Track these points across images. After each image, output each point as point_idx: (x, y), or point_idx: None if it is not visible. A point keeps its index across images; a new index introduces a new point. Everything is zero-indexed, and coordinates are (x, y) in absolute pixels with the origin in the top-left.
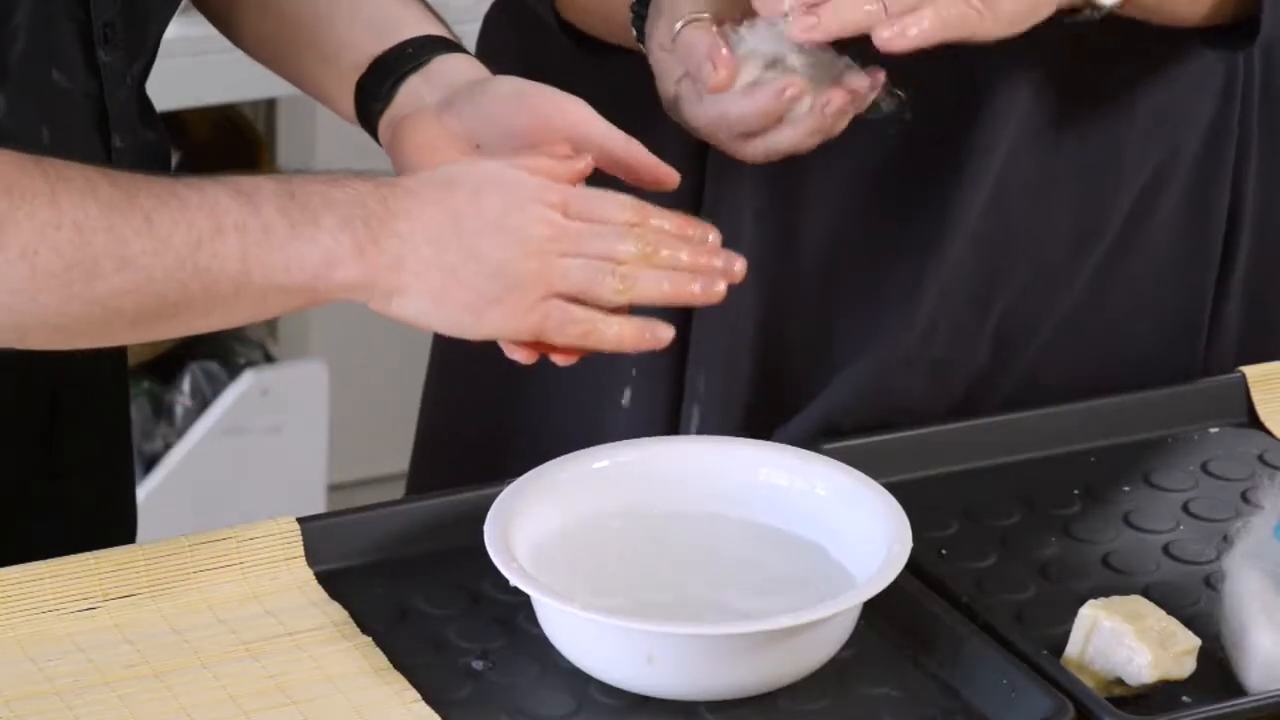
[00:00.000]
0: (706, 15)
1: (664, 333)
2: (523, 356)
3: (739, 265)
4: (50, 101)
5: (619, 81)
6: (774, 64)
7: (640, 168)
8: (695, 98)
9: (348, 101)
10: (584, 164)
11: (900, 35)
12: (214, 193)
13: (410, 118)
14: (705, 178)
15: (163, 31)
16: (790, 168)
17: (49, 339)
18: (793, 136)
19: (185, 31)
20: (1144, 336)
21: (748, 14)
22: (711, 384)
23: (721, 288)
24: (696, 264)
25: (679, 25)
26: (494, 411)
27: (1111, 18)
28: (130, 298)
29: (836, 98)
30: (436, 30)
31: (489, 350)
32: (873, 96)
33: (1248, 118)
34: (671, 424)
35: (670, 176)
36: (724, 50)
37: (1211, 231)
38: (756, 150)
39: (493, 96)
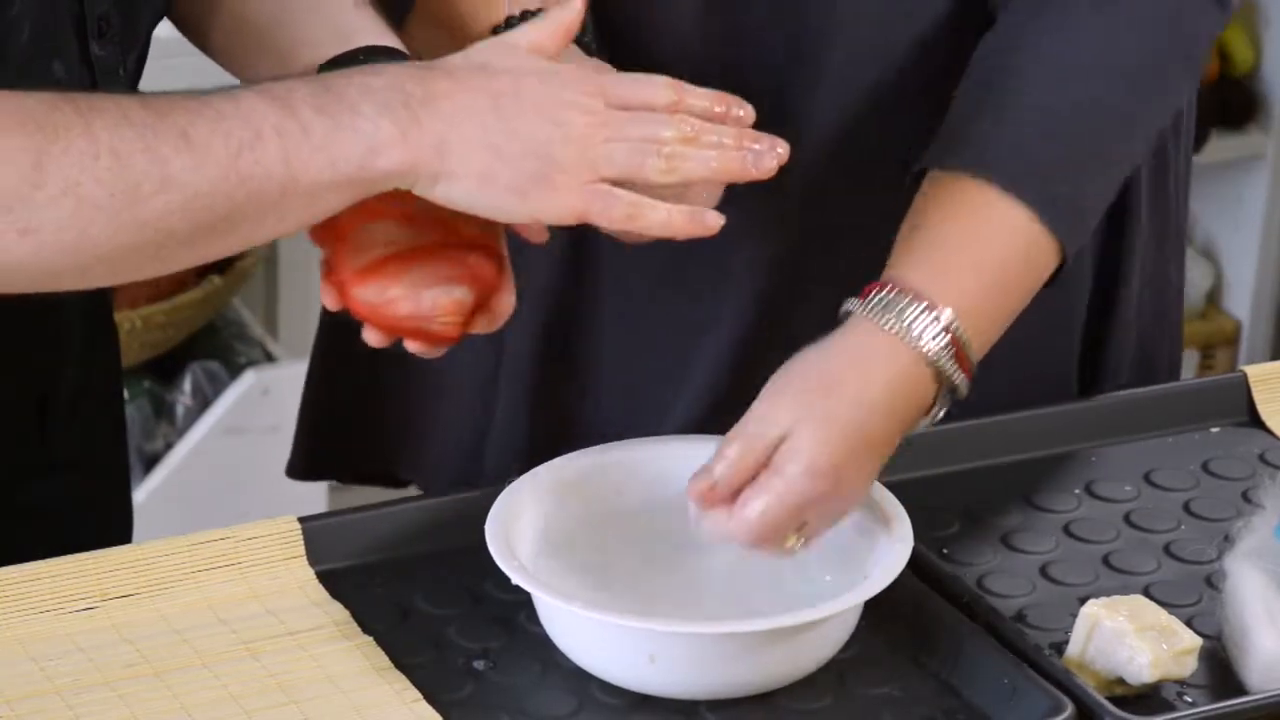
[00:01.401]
0: None
1: (713, 220)
2: (374, 340)
3: (782, 147)
4: None
5: None
6: None
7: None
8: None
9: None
10: (568, 21)
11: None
12: (249, 99)
13: None
14: None
15: (154, 26)
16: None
17: (110, 272)
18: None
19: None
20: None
21: None
22: (705, 397)
23: (772, 162)
24: (741, 143)
25: None
26: (377, 396)
27: None
28: (178, 216)
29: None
30: (390, 42)
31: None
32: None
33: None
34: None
35: None
36: None
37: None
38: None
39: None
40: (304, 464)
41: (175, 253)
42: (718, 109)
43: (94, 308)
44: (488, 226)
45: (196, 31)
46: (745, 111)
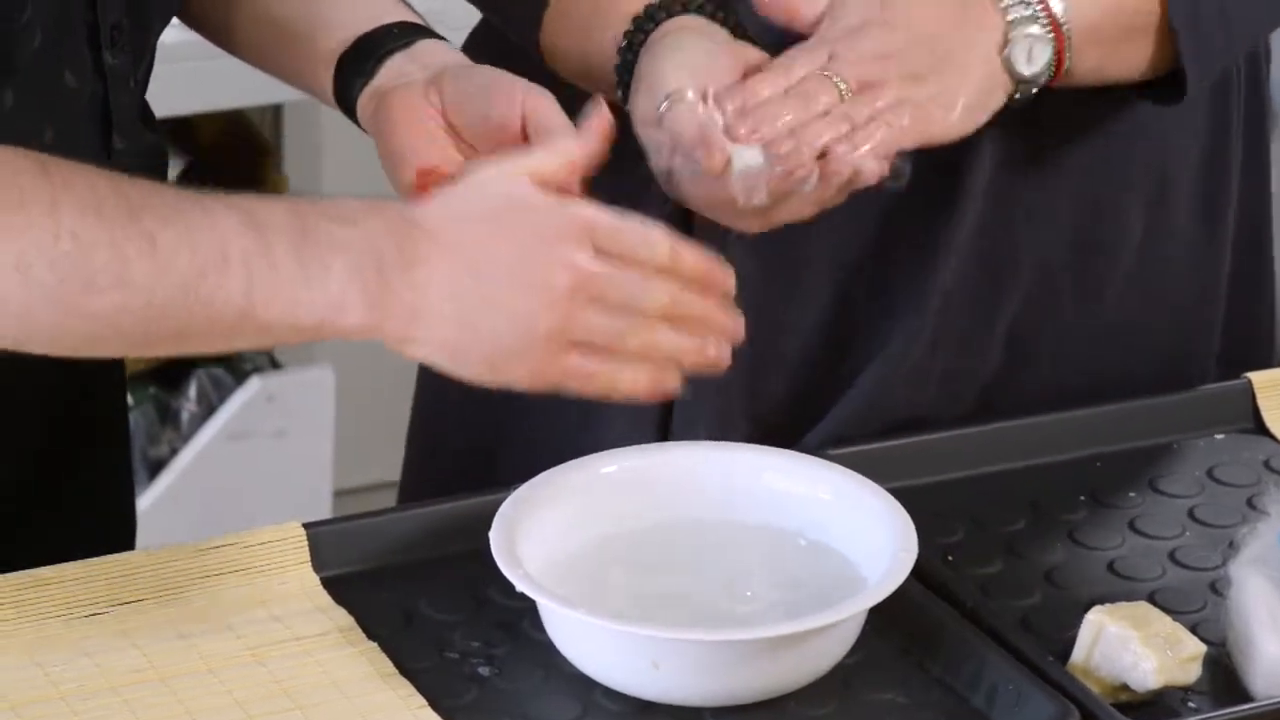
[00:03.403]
0: (690, 92)
1: (671, 382)
2: None
3: (739, 331)
4: (57, 101)
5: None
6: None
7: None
8: (690, 176)
9: (326, 78)
10: (578, 156)
11: (852, 152)
12: (223, 217)
13: (396, 91)
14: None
15: (161, 33)
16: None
17: (50, 348)
18: (794, 209)
19: (192, 36)
20: (1160, 338)
21: (726, 84)
22: (706, 405)
23: (724, 354)
24: (718, 321)
25: (663, 104)
26: (483, 421)
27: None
28: (129, 318)
29: (840, 172)
30: (413, 18)
31: None
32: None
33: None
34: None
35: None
36: (715, 133)
37: (1222, 230)
38: (754, 224)
39: (475, 82)
40: (415, 487)
41: (118, 348)
42: (709, 278)
43: None
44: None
45: (216, 30)
46: (729, 284)
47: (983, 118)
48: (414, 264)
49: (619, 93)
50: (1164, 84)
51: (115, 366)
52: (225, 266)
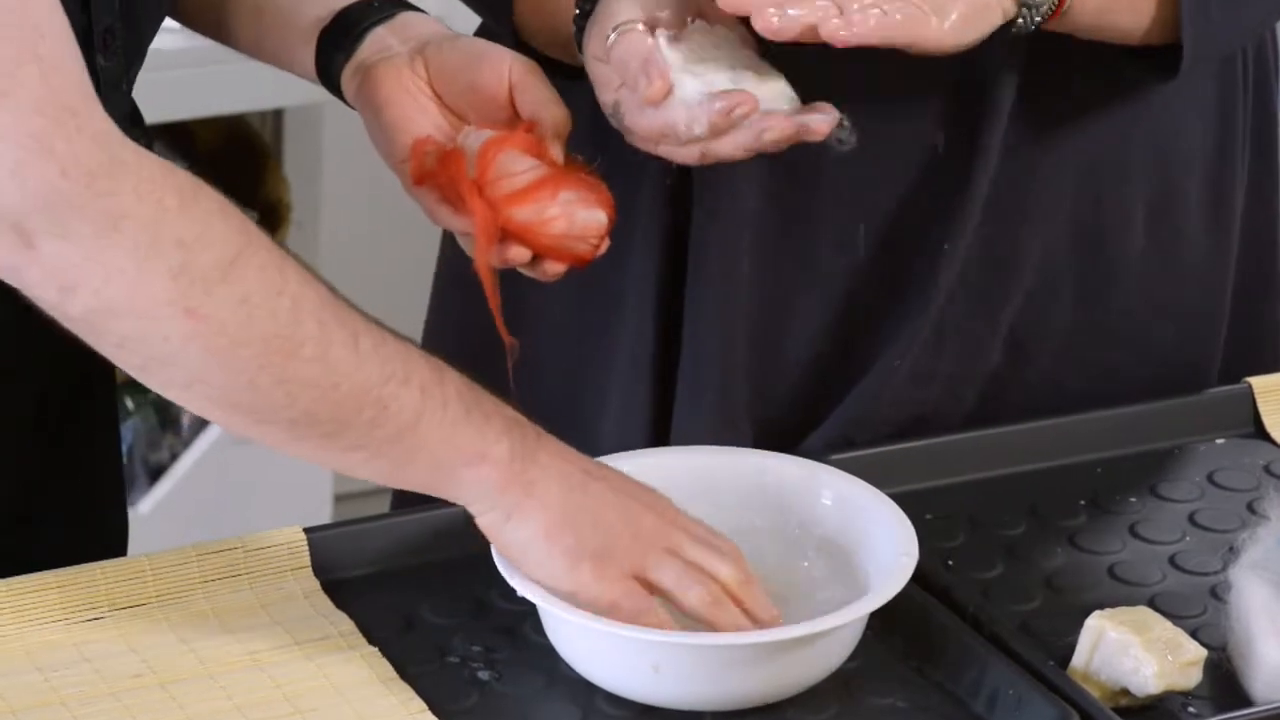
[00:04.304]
0: (640, 23)
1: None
2: (519, 258)
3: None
4: None
5: (598, 111)
6: (707, 74)
7: (545, 134)
8: (635, 107)
9: (306, 54)
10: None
11: (845, 28)
12: (412, 353)
13: (381, 65)
14: (693, 209)
15: (153, 36)
16: (784, 194)
17: (220, 397)
18: (730, 147)
19: (192, 43)
20: (1164, 340)
21: (678, 21)
22: (709, 407)
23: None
24: (756, 614)
25: (611, 34)
26: None
27: (1048, 35)
28: (309, 394)
29: (779, 126)
30: None
31: (482, 353)
32: (827, 133)
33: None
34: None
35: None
36: (659, 60)
37: (1229, 233)
38: (692, 154)
39: (461, 52)
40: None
41: (272, 425)
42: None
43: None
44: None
45: (208, 24)
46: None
47: (974, 37)
48: (546, 450)
49: (575, 47)
50: (1161, 58)
51: (105, 373)
52: (407, 384)
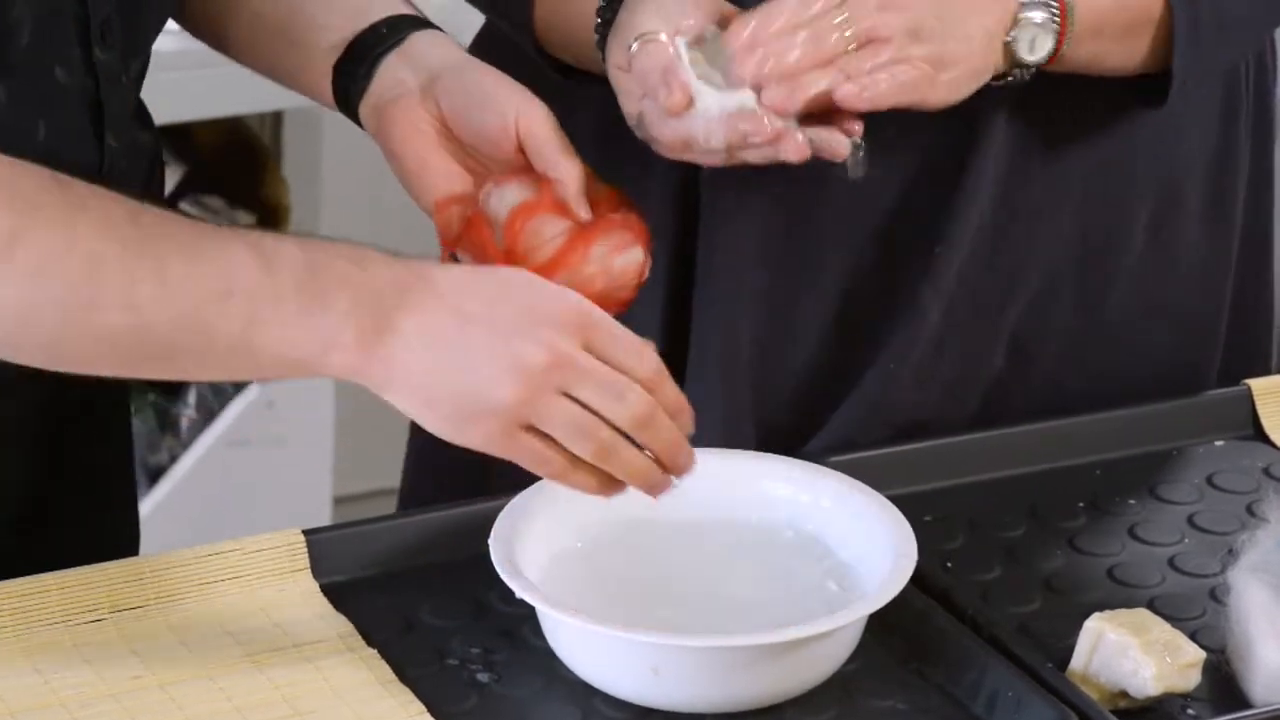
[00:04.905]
0: (661, 34)
1: (616, 490)
2: None
3: (689, 464)
4: (50, 97)
5: (609, 112)
6: (725, 87)
7: (564, 195)
8: (658, 117)
9: (325, 86)
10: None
11: (858, 95)
12: (235, 251)
13: (395, 103)
14: (701, 210)
15: (158, 32)
16: (790, 197)
17: (42, 360)
18: (749, 158)
19: (191, 45)
20: (1163, 343)
21: (700, 31)
22: (712, 408)
23: (666, 488)
24: (672, 451)
25: (633, 44)
26: None
27: (1046, 76)
28: (127, 338)
29: (793, 151)
30: (405, 10)
31: None
32: (844, 155)
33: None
34: None
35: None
36: (679, 72)
37: (1229, 237)
38: (716, 160)
39: (469, 92)
40: (415, 494)
41: (109, 365)
42: (678, 406)
43: None
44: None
45: (213, 33)
46: (691, 425)
47: (969, 91)
48: (408, 311)
49: (599, 54)
50: (1154, 81)
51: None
52: (228, 299)
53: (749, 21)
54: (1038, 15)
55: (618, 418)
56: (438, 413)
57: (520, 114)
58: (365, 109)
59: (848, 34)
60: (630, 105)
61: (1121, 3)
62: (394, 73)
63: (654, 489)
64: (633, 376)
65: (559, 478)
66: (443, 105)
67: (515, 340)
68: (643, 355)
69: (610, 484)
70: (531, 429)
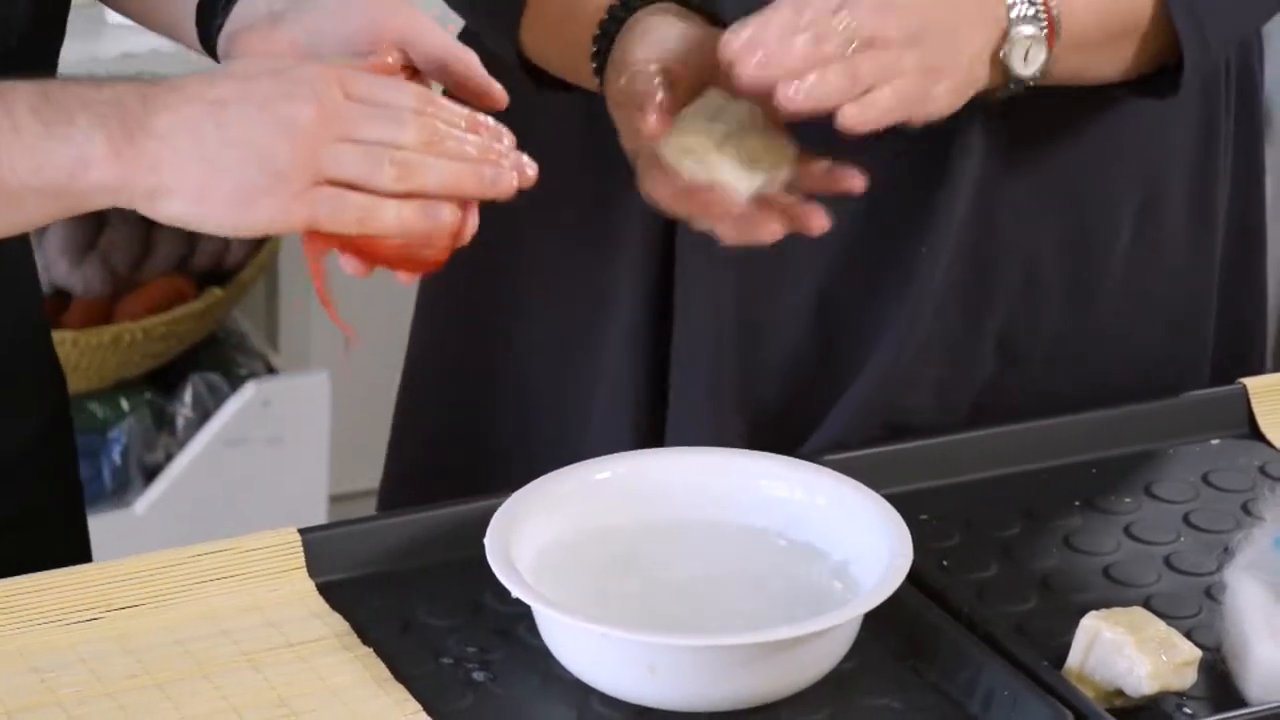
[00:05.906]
0: (654, 64)
1: (444, 214)
2: (351, 269)
3: (531, 169)
4: None
5: (587, 122)
6: (726, 137)
7: (470, 80)
8: (647, 172)
9: (191, 28)
10: (392, 59)
11: (861, 116)
12: None
13: (244, 31)
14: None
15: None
16: None
17: None
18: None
19: (164, 44)
20: (1152, 342)
21: (695, 73)
22: (695, 412)
23: (513, 178)
24: (485, 155)
25: (623, 78)
26: (464, 437)
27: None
28: None
29: (770, 229)
30: None
31: (459, 368)
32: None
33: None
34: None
35: (499, 97)
36: (658, 96)
37: (1213, 235)
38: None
39: (322, 6)
40: (395, 496)
41: None
42: (471, 123)
43: (34, 355)
44: None
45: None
46: (508, 139)
47: (959, 104)
48: (157, 112)
49: (597, 81)
50: (1150, 79)
51: (61, 407)
52: None
53: (747, 24)
54: (1028, 29)
55: (407, 141)
56: (220, 201)
57: (391, 9)
58: (221, 41)
59: (848, 34)
60: (628, 143)
61: (1108, 11)
62: (249, 5)
63: (490, 188)
64: (404, 107)
65: (370, 221)
66: (301, 26)
67: (278, 105)
68: (405, 88)
69: (429, 212)
70: (320, 185)
